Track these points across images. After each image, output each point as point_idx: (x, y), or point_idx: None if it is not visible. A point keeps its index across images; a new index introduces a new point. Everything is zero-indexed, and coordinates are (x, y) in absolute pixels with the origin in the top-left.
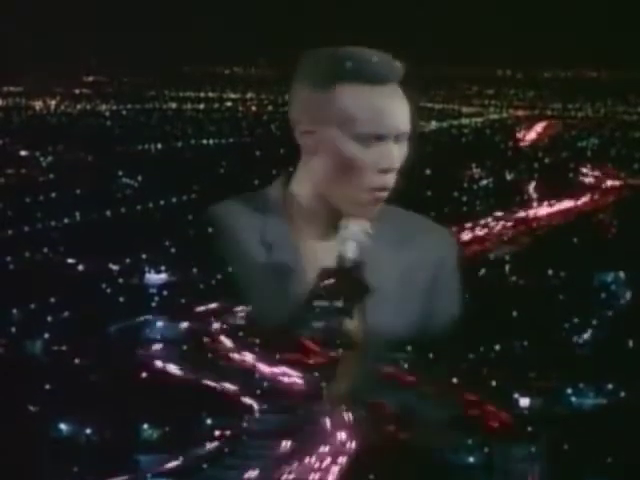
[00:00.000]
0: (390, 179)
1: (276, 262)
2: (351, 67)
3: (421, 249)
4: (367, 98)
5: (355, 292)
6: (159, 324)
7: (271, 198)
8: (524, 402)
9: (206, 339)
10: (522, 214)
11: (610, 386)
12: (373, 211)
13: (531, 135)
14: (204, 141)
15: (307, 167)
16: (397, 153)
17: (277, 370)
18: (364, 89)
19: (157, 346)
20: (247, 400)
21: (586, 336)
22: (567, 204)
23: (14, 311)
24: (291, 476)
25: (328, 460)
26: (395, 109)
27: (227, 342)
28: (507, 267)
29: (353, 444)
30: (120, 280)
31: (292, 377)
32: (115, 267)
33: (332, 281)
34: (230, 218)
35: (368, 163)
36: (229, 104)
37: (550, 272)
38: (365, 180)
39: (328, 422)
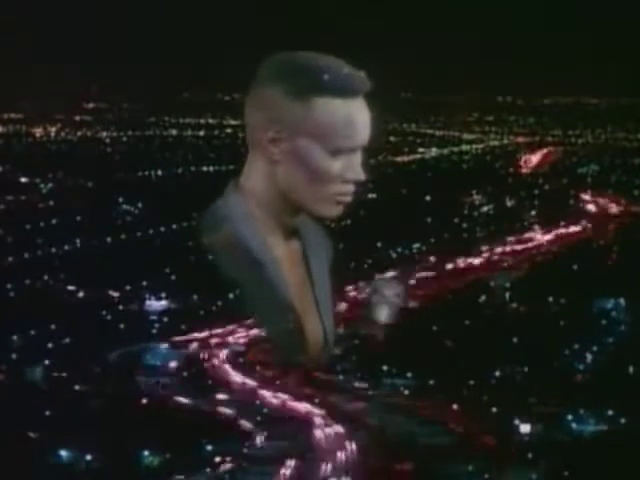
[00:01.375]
0: (353, 187)
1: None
2: (328, 80)
3: (323, 244)
4: (343, 111)
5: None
6: (159, 350)
7: (231, 208)
8: (525, 428)
9: (206, 365)
10: (522, 240)
11: (610, 412)
12: (338, 212)
13: (531, 162)
14: (204, 167)
15: (264, 169)
16: (361, 164)
17: (277, 397)
18: (340, 102)
19: (157, 373)
20: (247, 426)
21: (586, 362)
22: (567, 230)
23: (14, 337)
24: None
25: None
26: (365, 122)
27: (227, 369)
28: (507, 294)
29: (353, 470)
30: (120, 307)
31: (292, 403)
32: (115, 294)
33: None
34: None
35: (335, 174)
36: (229, 131)
37: (550, 299)
38: (332, 189)
39: (327, 448)
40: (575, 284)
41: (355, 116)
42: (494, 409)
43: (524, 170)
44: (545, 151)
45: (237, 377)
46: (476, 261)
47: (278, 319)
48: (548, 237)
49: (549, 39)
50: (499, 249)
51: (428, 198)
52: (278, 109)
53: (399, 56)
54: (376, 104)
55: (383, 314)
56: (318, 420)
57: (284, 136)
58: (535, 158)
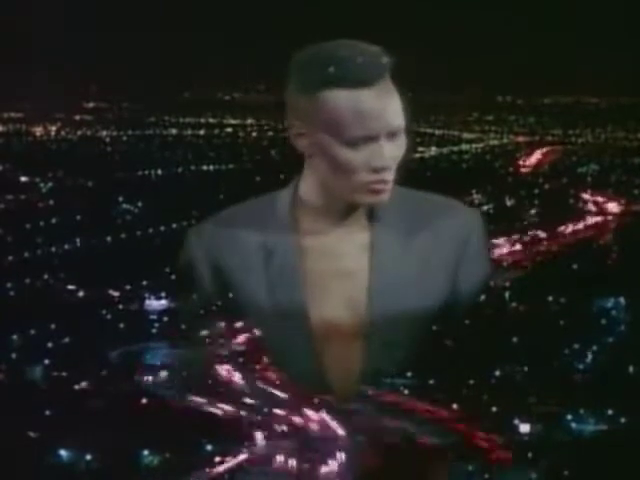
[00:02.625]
0: (386, 175)
1: (276, 267)
2: (333, 73)
3: (439, 231)
4: (351, 103)
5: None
6: (159, 350)
7: (279, 201)
8: (524, 428)
9: (207, 365)
10: (522, 240)
11: (610, 412)
12: (380, 199)
13: (531, 161)
14: (204, 167)
15: (309, 167)
16: (390, 150)
17: (277, 396)
18: (347, 94)
19: (157, 372)
20: (247, 427)
21: (586, 362)
22: (567, 230)
23: (14, 337)
24: None
25: None
26: (382, 109)
27: (228, 368)
28: (507, 293)
29: (354, 470)
30: (120, 306)
31: (293, 404)
32: (115, 293)
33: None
34: (229, 228)
35: (359, 164)
36: (229, 130)
37: (550, 298)
38: (360, 179)
39: (329, 448)
40: (575, 284)
41: (366, 105)
42: (494, 409)
43: (524, 169)
44: (545, 150)
45: (237, 377)
46: None
47: (291, 351)
48: (548, 236)
49: (549, 39)
50: (499, 248)
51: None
52: (294, 105)
53: (399, 56)
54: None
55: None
56: (317, 419)
57: (305, 131)
58: (535, 157)
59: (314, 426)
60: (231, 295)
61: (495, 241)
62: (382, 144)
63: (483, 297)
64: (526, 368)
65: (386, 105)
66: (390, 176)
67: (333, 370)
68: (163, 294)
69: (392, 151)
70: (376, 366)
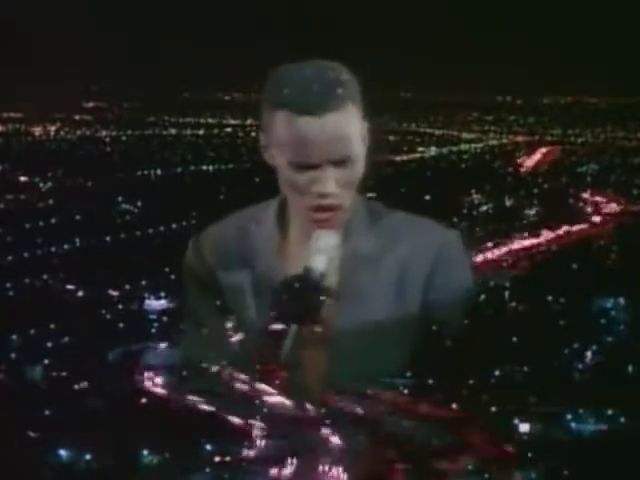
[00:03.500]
0: (329, 201)
1: (260, 272)
2: (286, 95)
3: (415, 247)
4: (295, 129)
5: (316, 300)
6: (159, 350)
7: (269, 208)
8: (524, 428)
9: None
10: (522, 240)
11: (610, 412)
12: (327, 226)
13: (531, 161)
14: (204, 167)
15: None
16: (335, 176)
17: (276, 395)
18: (294, 119)
19: (157, 372)
20: (247, 425)
21: (586, 362)
22: (567, 230)
23: (14, 337)
24: None
25: None
26: (326, 139)
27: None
28: (507, 293)
29: (351, 470)
30: (120, 306)
31: (290, 402)
32: (115, 293)
33: (296, 289)
34: (219, 236)
35: (303, 187)
36: (229, 130)
37: (550, 298)
38: (306, 201)
39: (325, 448)
40: (575, 283)
41: (309, 134)
42: (493, 408)
43: (523, 169)
44: (544, 150)
45: (237, 376)
46: (475, 260)
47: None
48: (547, 236)
49: (549, 38)
50: (498, 248)
51: (427, 197)
52: (262, 118)
53: (398, 56)
54: (375, 103)
55: (319, 261)
56: (316, 419)
57: (266, 144)
58: (534, 157)
59: (313, 425)
60: (218, 303)
61: (495, 241)
62: (326, 170)
63: (483, 297)
64: (526, 368)
65: (332, 136)
66: (338, 200)
67: (305, 375)
68: (163, 294)
69: (339, 177)
70: (342, 372)
